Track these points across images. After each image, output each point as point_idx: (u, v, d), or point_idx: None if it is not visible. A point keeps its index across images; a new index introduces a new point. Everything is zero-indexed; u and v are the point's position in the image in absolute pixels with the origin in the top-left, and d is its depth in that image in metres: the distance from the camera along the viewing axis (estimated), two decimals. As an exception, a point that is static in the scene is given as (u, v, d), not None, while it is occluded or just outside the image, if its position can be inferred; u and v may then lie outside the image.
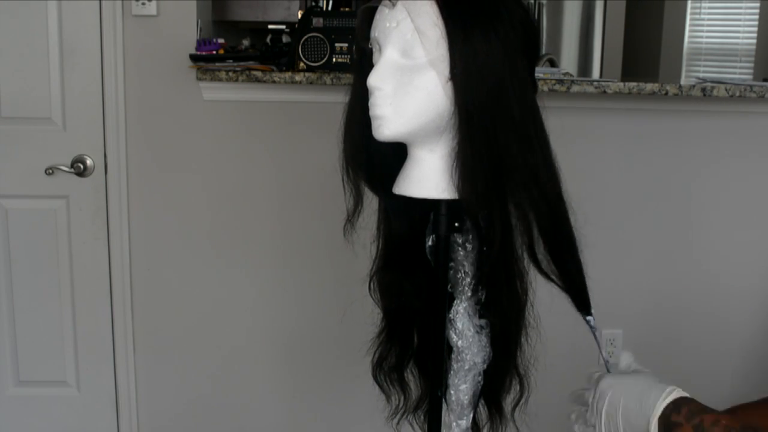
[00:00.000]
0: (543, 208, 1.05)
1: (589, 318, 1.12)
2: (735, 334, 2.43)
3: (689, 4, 4.93)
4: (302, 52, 2.16)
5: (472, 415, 1.20)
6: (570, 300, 1.12)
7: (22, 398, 2.40)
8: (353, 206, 1.15)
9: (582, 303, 1.12)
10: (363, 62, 1.09)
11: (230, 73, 2.15)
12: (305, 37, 2.16)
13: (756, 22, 4.64)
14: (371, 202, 1.18)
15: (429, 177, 1.07)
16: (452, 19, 0.98)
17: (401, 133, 1.03)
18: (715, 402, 0.95)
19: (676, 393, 0.92)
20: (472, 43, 0.97)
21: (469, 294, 1.14)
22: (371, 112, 1.03)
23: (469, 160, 1.01)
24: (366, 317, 1.28)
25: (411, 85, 1.00)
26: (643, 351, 2.44)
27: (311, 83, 2.14)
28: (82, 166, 2.26)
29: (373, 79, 1.01)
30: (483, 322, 1.16)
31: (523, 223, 1.05)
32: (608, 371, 1.07)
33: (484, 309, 1.16)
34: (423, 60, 0.99)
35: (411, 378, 1.28)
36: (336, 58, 2.16)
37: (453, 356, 1.17)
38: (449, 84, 0.99)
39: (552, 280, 1.10)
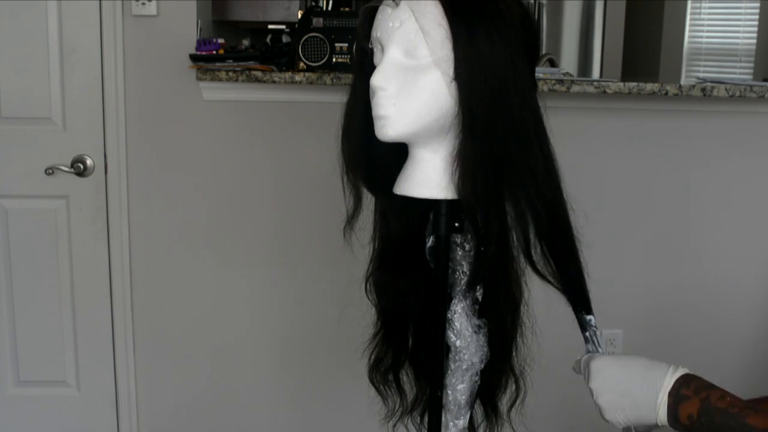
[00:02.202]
0: (540, 208, 1.05)
1: (589, 317, 1.12)
2: (735, 333, 2.43)
3: (689, 4, 4.93)
4: (302, 52, 2.16)
5: (468, 415, 1.20)
6: (568, 301, 1.12)
7: (22, 398, 2.40)
8: (353, 207, 1.15)
9: (582, 303, 1.12)
10: (364, 62, 1.09)
11: (230, 73, 2.15)
12: (305, 37, 2.16)
13: (756, 22, 4.64)
14: (369, 202, 1.18)
15: (431, 177, 1.07)
16: (456, 19, 0.97)
17: (405, 134, 1.02)
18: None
19: (682, 369, 0.98)
20: (475, 43, 0.97)
21: (466, 293, 1.14)
22: (374, 113, 1.03)
23: (471, 160, 1.01)
24: (363, 318, 1.28)
25: (415, 86, 1.00)
26: (644, 351, 2.43)
27: (311, 83, 2.14)
28: (82, 166, 2.26)
29: (377, 79, 1.01)
30: (481, 321, 1.16)
31: (520, 224, 1.05)
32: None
33: (481, 309, 1.16)
34: (427, 60, 0.99)
35: (406, 379, 1.28)
36: (336, 58, 2.16)
37: (450, 356, 1.17)
38: (453, 84, 0.99)
39: (548, 281, 1.10)
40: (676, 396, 0.95)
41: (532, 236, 1.06)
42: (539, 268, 1.09)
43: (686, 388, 0.95)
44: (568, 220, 1.09)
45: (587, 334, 1.13)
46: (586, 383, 1.05)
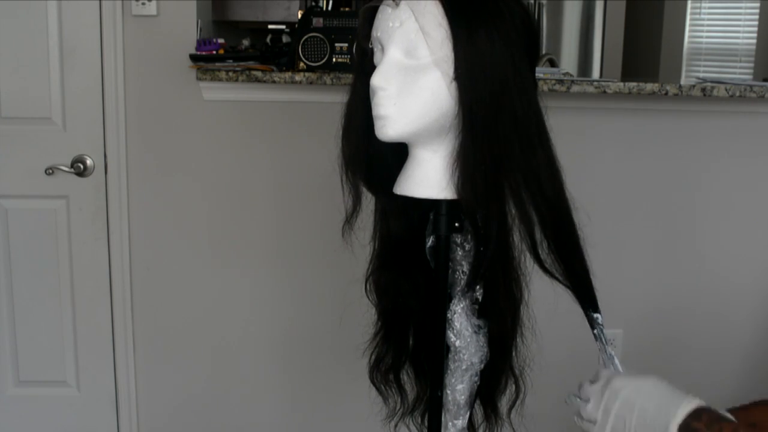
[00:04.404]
0: (545, 207, 1.05)
1: (596, 315, 1.12)
2: (736, 333, 2.43)
3: (689, 4, 4.93)
4: (302, 52, 2.16)
5: (468, 415, 1.21)
6: (576, 298, 1.12)
7: (22, 398, 2.40)
8: (352, 207, 1.15)
9: (589, 300, 1.12)
10: (364, 62, 1.09)
11: (230, 73, 2.15)
12: (305, 37, 2.16)
13: (756, 22, 4.64)
14: (369, 202, 1.18)
15: (431, 177, 1.07)
16: (456, 19, 0.98)
17: (405, 133, 1.03)
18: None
19: (697, 402, 0.94)
20: (475, 43, 0.97)
21: (465, 293, 1.14)
22: (375, 112, 1.03)
23: (471, 159, 1.01)
24: (364, 318, 1.28)
25: (415, 85, 1.00)
26: (644, 351, 2.45)
27: (311, 83, 2.14)
28: (82, 166, 2.26)
29: (377, 79, 1.01)
30: (481, 321, 1.16)
31: (526, 224, 1.05)
32: (616, 369, 1.07)
33: (481, 309, 1.16)
34: (427, 60, 0.99)
35: (407, 380, 1.28)
36: (336, 58, 2.16)
37: (450, 356, 1.17)
38: (453, 84, 0.99)
39: (557, 279, 1.10)
40: (686, 430, 0.92)
41: (538, 235, 1.06)
42: (547, 266, 1.09)
43: (697, 422, 0.92)
44: (572, 218, 1.09)
45: (595, 331, 1.12)
46: (594, 398, 1.02)
